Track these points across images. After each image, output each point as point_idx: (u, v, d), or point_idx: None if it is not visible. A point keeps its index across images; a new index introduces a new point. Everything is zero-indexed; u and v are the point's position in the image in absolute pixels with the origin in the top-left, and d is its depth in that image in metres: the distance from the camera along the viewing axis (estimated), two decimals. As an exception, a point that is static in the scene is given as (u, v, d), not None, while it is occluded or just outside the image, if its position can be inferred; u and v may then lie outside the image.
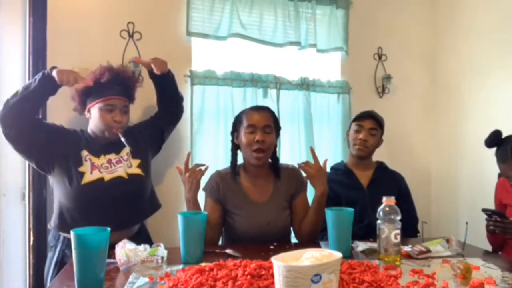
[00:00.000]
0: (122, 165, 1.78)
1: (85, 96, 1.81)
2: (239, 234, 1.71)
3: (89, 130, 1.82)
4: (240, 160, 1.81)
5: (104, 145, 1.80)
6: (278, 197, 1.75)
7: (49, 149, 1.71)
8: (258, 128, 1.70)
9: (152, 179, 1.93)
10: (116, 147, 1.82)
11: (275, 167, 1.80)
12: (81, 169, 1.72)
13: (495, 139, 1.64)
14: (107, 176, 1.73)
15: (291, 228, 1.80)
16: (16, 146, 1.69)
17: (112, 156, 1.79)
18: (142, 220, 1.87)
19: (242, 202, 1.72)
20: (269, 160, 1.79)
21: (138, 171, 1.81)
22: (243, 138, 1.72)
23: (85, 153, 1.76)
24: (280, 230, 1.73)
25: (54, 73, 1.65)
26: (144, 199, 1.84)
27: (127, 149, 1.82)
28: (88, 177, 1.71)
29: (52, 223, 1.75)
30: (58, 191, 1.75)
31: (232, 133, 1.81)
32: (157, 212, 1.91)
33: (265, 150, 1.70)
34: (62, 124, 1.83)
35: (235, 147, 1.80)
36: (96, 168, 1.74)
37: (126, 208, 1.74)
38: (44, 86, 1.65)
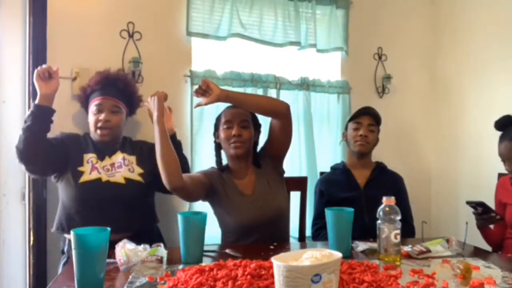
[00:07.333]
0: (123, 170, 1.78)
1: (86, 104, 1.87)
2: (236, 224, 1.73)
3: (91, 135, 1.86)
4: (224, 160, 1.84)
5: (109, 147, 1.82)
6: (262, 182, 1.78)
7: (57, 163, 1.74)
8: (235, 123, 1.73)
9: (155, 197, 1.93)
10: (120, 147, 1.85)
11: (255, 160, 1.83)
12: (80, 168, 1.73)
13: (505, 122, 1.71)
14: (105, 178, 1.74)
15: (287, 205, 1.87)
16: (32, 168, 1.71)
17: (117, 157, 1.80)
18: (135, 229, 1.73)
19: (235, 194, 1.75)
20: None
21: (138, 178, 1.79)
22: (222, 134, 1.76)
23: (89, 155, 1.77)
24: (274, 210, 1.75)
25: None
26: (139, 209, 1.81)
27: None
28: (86, 177, 1.71)
29: (54, 226, 1.76)
30: (61, 193, 1.78)
31: (214, 133, 1.84)
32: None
33: (243, 142, 1.73)
34: (61, 132, 1.85)
35: (218, 147, 1.84)
36: (96, 169, 1.74)
37: (121, 213, 1.71)
38: (36, 113, 1.64)
